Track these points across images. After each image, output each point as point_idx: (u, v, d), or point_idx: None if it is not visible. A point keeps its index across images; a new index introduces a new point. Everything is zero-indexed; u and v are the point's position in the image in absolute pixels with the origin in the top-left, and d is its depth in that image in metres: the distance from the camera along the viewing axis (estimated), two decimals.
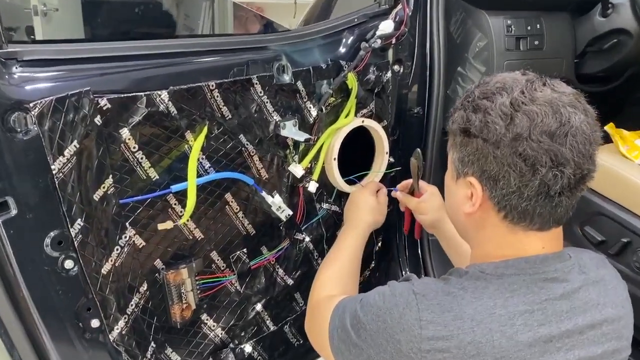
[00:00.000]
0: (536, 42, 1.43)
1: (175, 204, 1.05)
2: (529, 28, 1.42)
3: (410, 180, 1.30)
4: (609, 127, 1.34)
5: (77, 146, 0.87)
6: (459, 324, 0.78)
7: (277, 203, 1.21)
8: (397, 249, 1.59)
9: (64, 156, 0.86)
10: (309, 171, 1.28)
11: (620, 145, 1.29)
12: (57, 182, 0.86)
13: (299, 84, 1.18)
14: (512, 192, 0.79)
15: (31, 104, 0.82)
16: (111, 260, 0.97)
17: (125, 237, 1.00)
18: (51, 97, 0.83)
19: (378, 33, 1.31)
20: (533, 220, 0.81)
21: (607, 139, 1.35)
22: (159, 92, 0.95)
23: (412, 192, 1.30)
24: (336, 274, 1.11)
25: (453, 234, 1.16)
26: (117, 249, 0.98)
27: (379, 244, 1.51)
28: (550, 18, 1.45)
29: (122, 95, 0.91)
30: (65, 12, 3.08)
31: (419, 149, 1.27)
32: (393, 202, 1.39)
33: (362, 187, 1.32)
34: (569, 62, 1.48)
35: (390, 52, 1.38)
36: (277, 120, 1.16)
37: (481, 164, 0.80)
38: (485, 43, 1.42)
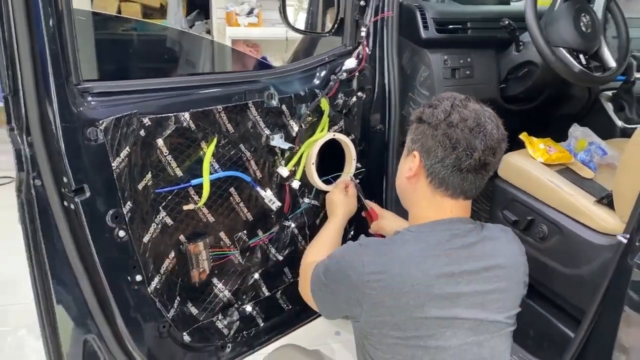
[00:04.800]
0: (467, 72, 1.85)
1: (193, 194, 1.44)
2: (461, 61, 1.84)
3: None
4: (523, 136, 1.74)
5: (128, 151, 1.27)
6: (390, 262, 1.16)
7: (268, 196, 1.59)
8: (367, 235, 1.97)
9: (120, 157, 1.26)
10: (293, 173, 1.67)
11: (529, 149, 1.69)
12: (115, 175, 1.26)
13: (284, 107, 1.57)
14: (438, 161, 1.17)
15: (100, 122, 1.22)
16: (150, 233, 1.36)
17: (159, 217, 1.39)
18: (112, 117, 1.23)
19: (344, 68, 1.70)
20: (447, 188, 1.19)
21: (522, 145, 1.75)
22: (183, 113, 1.36)
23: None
24: (318, 249, 1.50)
25: None
26: (154, 226, 1.37)
27: (352, 233, 1.89)
28: (478, 54, 1.87)
29: (158, 115, 1.32)
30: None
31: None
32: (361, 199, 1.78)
33: (334, 187, 1.71)
34: (494, 87, 1.89)
35: (355, 82, 1.75)
36: (267, 134, 1.56)
37: (423, 141, 1.20)
38: (428, 74, 1.83)
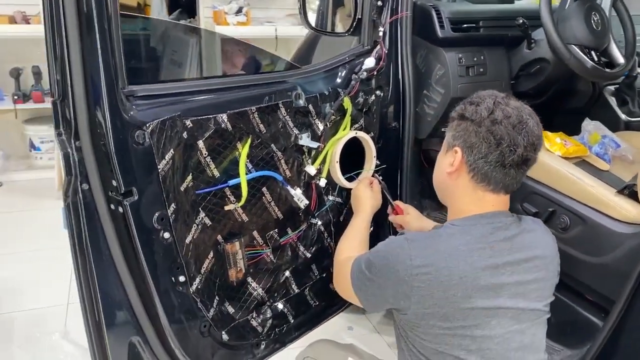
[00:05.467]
0: (481, 70, 1.90)
1: (229, 195, 1.46)
2: (475, 59, 1.89)
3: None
4: None
5: (172, 152, 1.28)
6: (437, 255, 1.20)
7: (297, 195, 1.62)
8: (386, 230, 2.00)
9: (165, 159, 1.27)
10: (319, 171, 1.70)
11: (546, 143, 1.75)
12: (160, 177, 1.27)
13: (310, 107, 1.60)
14: (481, 157, 1.21)
15: (147, 125, 1.23)
16: (191, 234, 1.38)
17: (199, 218, 1.40)
18: (158, 120, 1.24)
19: (364, 67, 1.73)
20: (490, 182, 1.23)
21: None
22: (222, 115, 1.37)
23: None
24: (351, 244, 1.53)
25: None
26: (195, 226, 1.39)
27: (372, 228, 1.92)
28: (491, 51, 1.92)
29: (199, 117, 1.33)
30: None
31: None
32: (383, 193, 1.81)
33: (359, 183, 1.73)
34: (506, 83, 1.95)
35: (374, 81, 1.80)
36: (296, 133, 1.58)
37: (466, 137, 1.23)
38: (443, 72, 1.88)
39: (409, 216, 1.70)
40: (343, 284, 1.40)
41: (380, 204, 1.71)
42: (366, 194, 1.68)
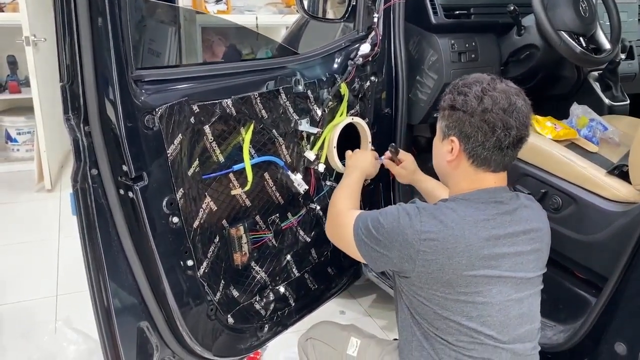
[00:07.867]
0: (472, 55, 1.94)
1: (234, 180, 1.47)
2: (467, 45, 1.93)
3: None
4: None
5: (181, 137, 1.29)
6: (445, 224, 1.23)
7: (297, 180, 1.64)
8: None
9: (174, 144, 1.27)
10: (317, 156, 1.71)
11: (536, 126, 1.81)
12: (169, 162, 1.27)
13: (309, 92, 1.62)
14: (479, 145, 1.25)
15: (156, 109, 1.23)
16: (198, 219, 1.38)
17: (205, 202, 1.41)
18: (166, 104, 1.25)
19: (359, 53, 1.76)
20: (490, 165, 1.28)
21: None
22: (227, 100, 1.38)
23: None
24: (347, 195, 1.53)
25: (429, 190, 1.64)
26: (201, 211, 1.39)
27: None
28: (482, 38, 1.96)
29: (206, 102, 1.34)
30: (51, 42, 3.43)
31: (393, 144, 1.72)
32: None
33: (367, 151, 1.72)
34: (496, 69, 2.00)
35: (369, 67, 1.83)
36: (296, 119, 1.60)
37: (460, 127, 1.26)
38: (436, 58, 1.91)
39: (402, 169, 1.71)
40: (341, 233, 1.40)
41: (374, 174, 1.72)
42: (368, 158, 1.69)
